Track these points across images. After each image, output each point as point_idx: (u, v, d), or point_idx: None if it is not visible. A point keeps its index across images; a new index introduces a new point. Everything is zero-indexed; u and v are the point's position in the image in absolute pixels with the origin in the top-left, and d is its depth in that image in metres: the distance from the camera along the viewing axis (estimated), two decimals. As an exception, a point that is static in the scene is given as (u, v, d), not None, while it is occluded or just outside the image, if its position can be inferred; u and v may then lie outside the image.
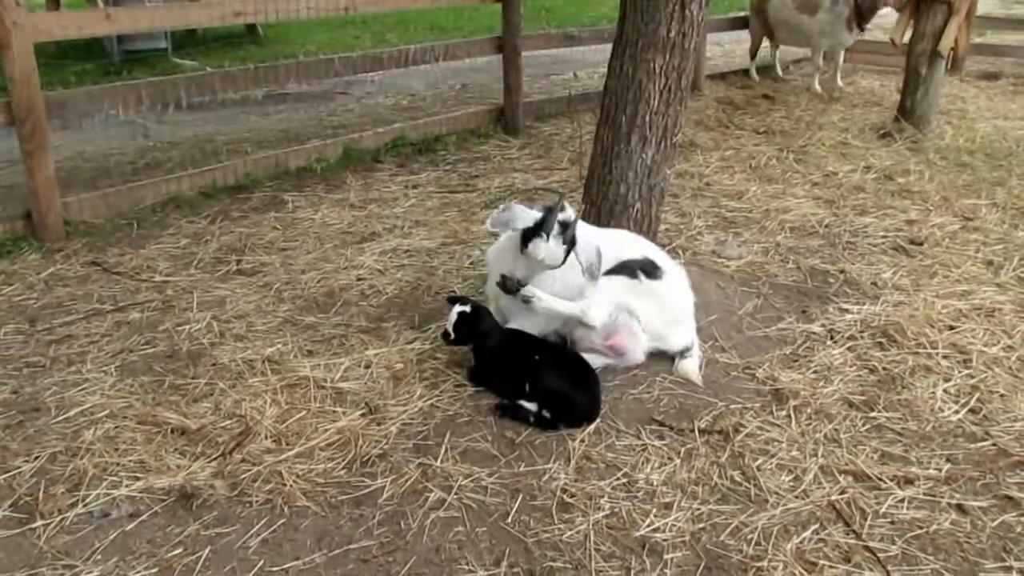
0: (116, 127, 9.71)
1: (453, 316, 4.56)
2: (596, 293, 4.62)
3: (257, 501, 3.76)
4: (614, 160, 5.41)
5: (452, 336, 4.57)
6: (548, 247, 4.42)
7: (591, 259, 4.51)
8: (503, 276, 4.60)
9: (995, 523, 3.74)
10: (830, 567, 3.45)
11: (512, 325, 4.73)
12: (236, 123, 10.32)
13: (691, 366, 4.76)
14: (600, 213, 5.51)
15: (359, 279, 5.96)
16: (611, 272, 4.70)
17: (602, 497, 3.81)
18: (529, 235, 4.44)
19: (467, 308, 4.57)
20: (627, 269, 4.72)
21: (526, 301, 4.56)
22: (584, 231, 4.62)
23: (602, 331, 4.66)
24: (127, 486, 3.83)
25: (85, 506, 3.72)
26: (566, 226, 4.43)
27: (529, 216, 4.49)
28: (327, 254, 6.41)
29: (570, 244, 4.46)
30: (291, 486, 3.83)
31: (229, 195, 7.69)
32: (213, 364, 4.82)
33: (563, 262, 4.48)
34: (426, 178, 8.28)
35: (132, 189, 7.28)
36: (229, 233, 6.84)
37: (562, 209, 4.52)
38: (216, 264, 6.24)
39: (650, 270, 4.73)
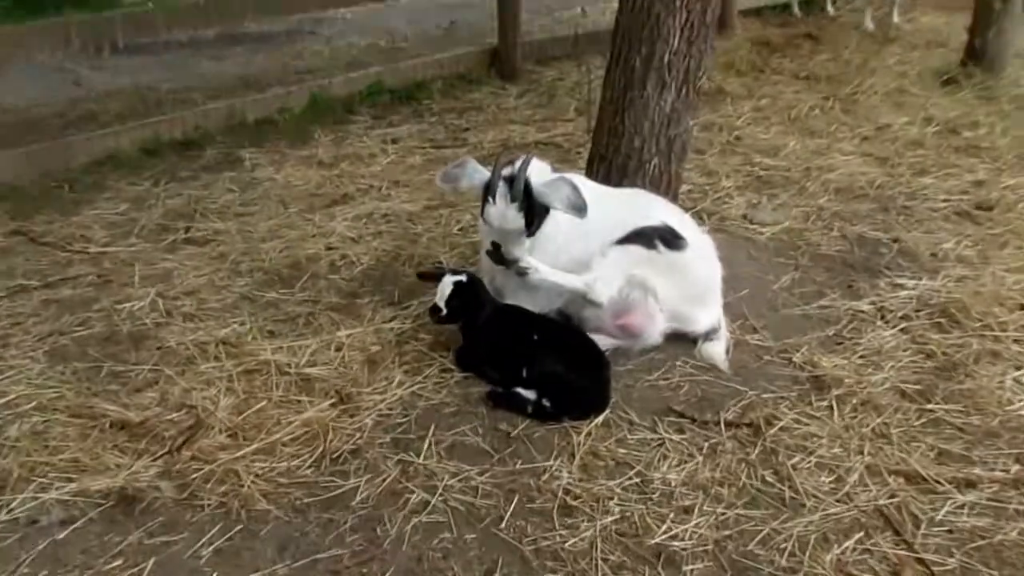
0: (42, 74, 9.70)
1: (446, 287, 4.58)
2: (605, 264, 4.67)
3: (210, 505, 3.79)
4: (627, 109, 5.42)
5: (443, 312, 4.60)
6: (499, 211, 4.48)
7: (564, 194, 4.50)
8: (494, 244, 4.63)
9: (1069, 530, 3.78)
10: (876, 580, 3.51)
11: (509, 302, 4.77)
12: (184, 69, 10.28)
13: (717, 349, 4.80)
14: (611, 170, 5.54)
15: (329, 248, 5.99)
16: (624, 241, 4.74)
17: (611, 499, 3.85)
18: (483, 201, 4.52)
19: (463, 278, 4.60)
20: (643, 237, 4.74)
21: (521, 273, 4.59)
22: (590, 187, 4.63)
23: (612, 309, 4.70)
24: (58, 489, 3.85)
25: (10, 512, 3.75)
26: (511, 181, 4.47)
27: (478, 176, 4.58)
28: (291, 220, 6.45)
29: (526, 200, 4.47)
30: (249, 487, 3.86)
31: (176, 152, 7.70)
32: (158, 347, 4.86)
33: (533, 225, 4.53)
34: (407, 131, 8.29)
35: (62, 146, 7.29)
36: (176, 196, 6.86)
37: (508, 164, 4.56)
38: (161, 232, 6.27)
39: (670, 238, 4.75)
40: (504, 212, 4.48)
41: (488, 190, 4.48)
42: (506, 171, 4.54)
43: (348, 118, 8.62)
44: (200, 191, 6.95)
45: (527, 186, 4.49)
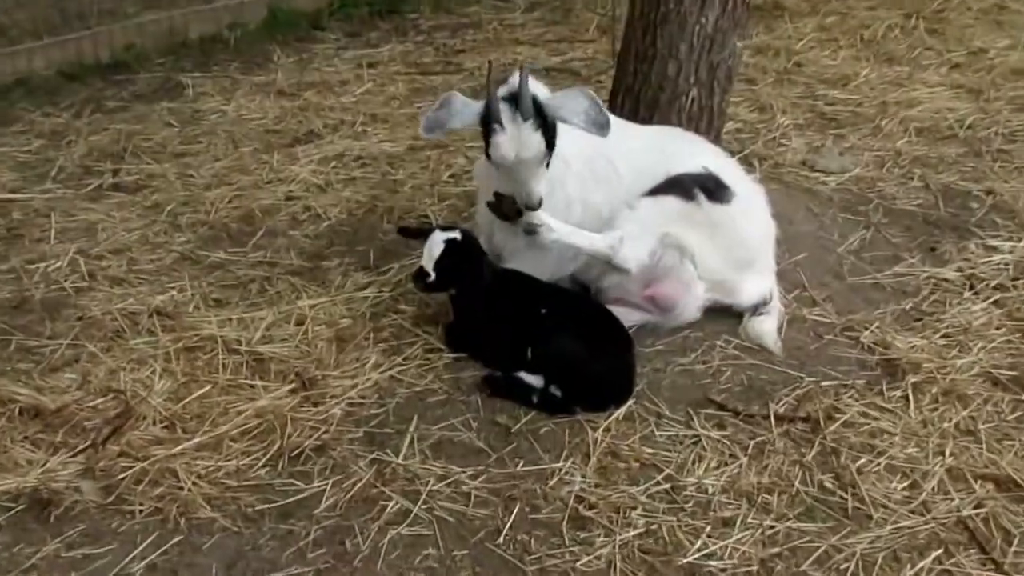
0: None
1: (435, 246, 4.56)
2: (634, 220, 4.65)
3: (142, 511, 3.81)
4: (660, 27, 5.40)
5: (431, 277, 4.58)
6: (511, 137, 4.34)
7: (581, 106, 4.42)
8: (497, 195, 4.60)
9: None
10: (958, 609, 3.55)
11: (511, 267, 4.78)
12: (112, -29, 10.25)
13: (767, 327, 4.81)
14: (639, 103, 5.53)
15: (289, 199, 6.00)
16: (656, 191, 4.73)
17: (634, 509, 3.87)
18: (485, 136, 4.43)
19: (456, 235, 4.59)
20: (679, 186, 4.72)
21: (530, 232, 4.56)
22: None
23: (641, 276, 4.70)
24: (-44, 489, 3.89)
25: None
26: (515, 99, 4.37)
27: (468, 109, 4.49)
28: (244, 162, 6.45)
29: (538, 117, 4.37)
30: (190, 490, 3.88)
31: (102, 76, 7.69)
32: (79, 318, 4.88)
33: (549, 148, 4.43)
34: (388, 53, 8.26)
35: (-40, 67, 7.29)
36: (102, 131, 6.85)
37: (503, 82, 4.50)
38: (84, 176, 6.28)
39: (713, 188, 4.74)
40: (519, 136, 4.35)
41: (489, 117, 4.37)
42: (502, 90, 4.47)
43: (314, 36, 8.60)
44: (131, 125, 6.94)
45: (535, 99, 4.40)
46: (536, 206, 4.44)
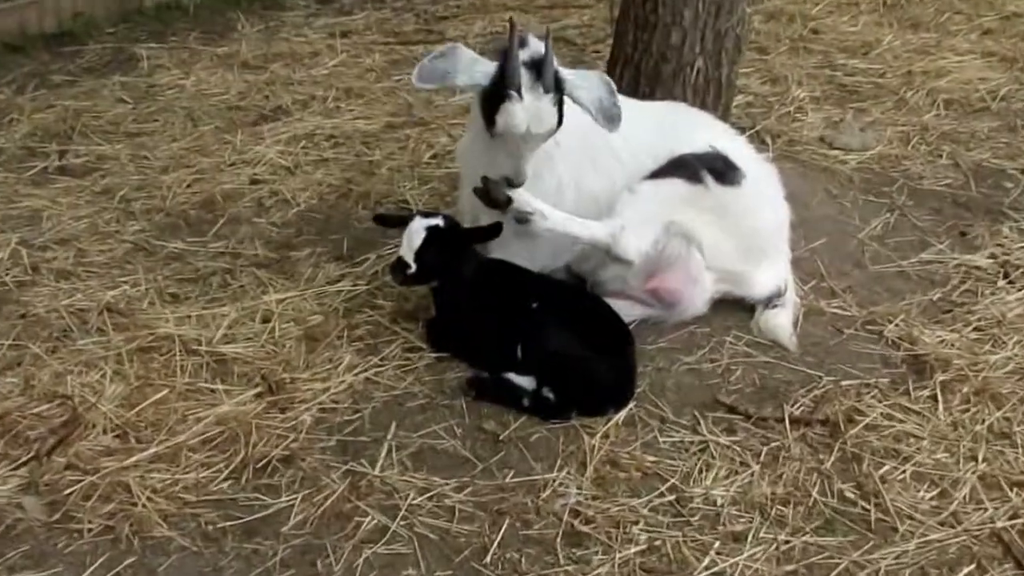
0: None
1: (416, 235, 4.52)
2: (635, 206, 4.64)
3: (91, 529, 3.79)
4: (663, -9, 5.42)
5: (412, 269, 4.55)
6: (528, 107, 4.30)
7: (598, 92, 4.45)
8: (485, 180, 4.57)
9: None
10: (992, 631, 3.55)
11: (499, 257, 4.76)
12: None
13: (781, 321, 4.81)
14: (639, 75, 5.52)
15: (254, 182, 5.99)
16: (659, 173, 4.72)
17: (636, 523, 3.85)
18: (493, 101, 4.36)
19: (438, 221, 4.57)
20: (684, 168, 4.72)
21: (522, 221, 4.55)
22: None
23: (642, 267, 4.70)
24: None
25: None
26: (539, 65, 4.34)
27: (478, 67, 4.44)
28: (203, 142, 6.44)
29: (558, 90, 4.38)
30: (144, 506, 3.86)
31: (47, 48, 7.67)
32: (21, 316, 4.86)
33: (559, 123, 4.41)
34: (364, 21, 8.26)
35: None
36: (47, 108, 6.83)
37: (522, 44, 4.44)
38: (26, 158, 6.27)
39: (721, 169, 4.74)
40: (537, 108, 4.31)
41: (507, 80, 4.30)
42: (524, 54, 4.39)
43: (282, 2, 8.59)
44: (80, 102, 6.92)
45: (557, 71, 4.39)
46: (522, 183, 4.44)
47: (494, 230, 4.58)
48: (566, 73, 4.46)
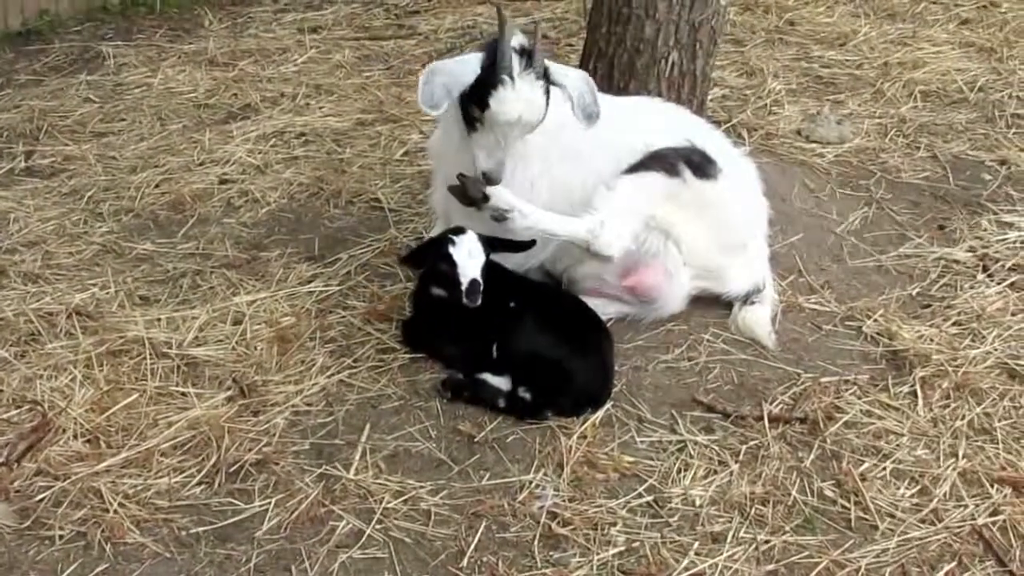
0: None
1: (476, 250, 4.38)
2: (614, 201, 4.62)
3: (62, 536, 3.78)
4: (636, -17, 5.42)
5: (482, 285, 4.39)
6: (519, 94, 4.31)
7: (580, 91, 4.46)
8: (460, 178, 4.56)
9: None
10: (973, 628, 3.57)
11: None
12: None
13: (759, 317, 4.82)
14: (613, 69, 5.53)
15: (224, 182, 5.98)
16: (636, 168, 4.71)
17: (614, 525, 3.86)
18: (483, 91, 4.35)
19: (473, 233, 4.46)
20: (662, 162, 4.71)
21: (500, 219, 4.54)
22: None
23: (618, 264, 4.70)
24: None
25: None
26: (529, 53, 4.36)
27: (468, 66, 4.44)
28: (172, 141, 6.42)
29: (546, 81, 4.39)
30: (116, 512, 3.85)
31: (11, 46, 7.64)
32: (-12, 320, 4.85)
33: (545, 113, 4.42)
34: (333, 16, 8.24)
35: None
36: (13, 109, 6.81)
37: (494, 35, 4.46)
38: (-9, 159, 6.24)
39: (698, 163, 4.74)
40: (529, 95, 4.33)
41: (500, 67, 4.30)
42: (515, 41, 4.41)
43: (250, -3, 8.57)
44: (46, 101, 6.90)
45: (543, 60, 4.40)
46: (499, 179, 4.43)
47: (522, 245, 4.58)
48: (551, 64, 4.47)
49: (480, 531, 3.83)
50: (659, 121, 4.92)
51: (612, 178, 4.67)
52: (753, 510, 3.95)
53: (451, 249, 4.38)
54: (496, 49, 4.32)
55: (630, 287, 4.73)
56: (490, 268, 4.54)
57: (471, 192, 4.50)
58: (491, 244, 4.48)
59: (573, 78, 4.48)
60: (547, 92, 4.38)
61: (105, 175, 6.04)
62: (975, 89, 7.03)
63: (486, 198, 4.48)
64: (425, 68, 4.53)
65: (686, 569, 3.70)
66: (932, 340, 4.78)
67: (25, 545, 3.76)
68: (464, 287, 4.34)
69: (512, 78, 4.29)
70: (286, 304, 4.92)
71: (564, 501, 3.95)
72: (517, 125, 4.36)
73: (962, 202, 5.83)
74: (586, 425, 4.28)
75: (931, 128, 6.56)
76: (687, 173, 4.67)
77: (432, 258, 4.48)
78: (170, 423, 4.25)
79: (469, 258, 4.38)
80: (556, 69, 4.47)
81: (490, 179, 4.43)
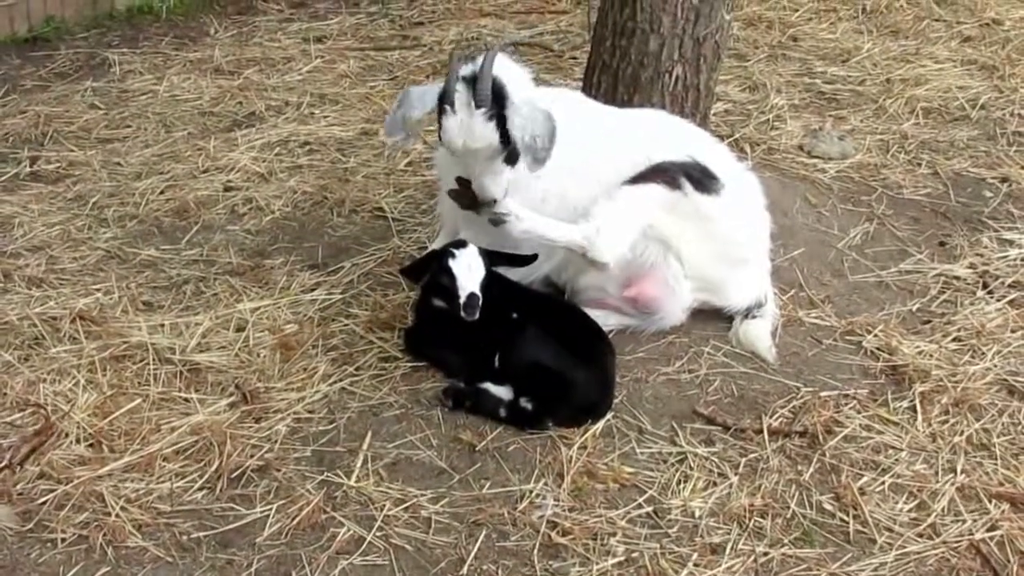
0: None
1: (476, 264, 4.41)
2: (612, 210, 4.62)
3: (64, 539, 3.79)
4: (640, -3, 5.44)
5: (481, 299, 4.40)
6: (459, 122, 4.33)
7: (530, 127, 4.40)
8: (459, 181, 4.58)
9: None
10: (970, 643, 3.58)
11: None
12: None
13: (760, 331, 4.83)
14: (617, 82, 5.54)
15: (228, 189, 5.99)
16: (638, 179, 4.72)
17: (613, 535, 3.87)
18: (438, 118, 4.42)
19: (474, 247, 4.47)
20: (663, 174, 4.72)
21: (498, 222, 4.54)
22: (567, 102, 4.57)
23: (620, 275, 4.72)
24: None
25: None
26: (473, 81, 4.36)
27: (428, 95, 4.50)
28: (177, 148, 6.43)
29: (496, 105, 4.35)
30: (118, 516, 3.86)
31: (18, 52, 7.64)
32: (-8, 323, 4.86)
33: (504, 142, 4.37)
34: (339, 26, 8.26)
35: None
36: (19, 114, 6.82)
37: (465, 59, 4.50)
38: (-3, 164, 6.26)
39: (700, 177, 4.75)
40: (468, 123, 4.34)
41: (444, 96, 4.38)
42: (464, 70, 4.45)
43: (256, 6, 8.59)
44: (51, 107, 6.90)
45: (497, 87, 4.39)
46: (490, 202, 4.45)
47: (524, 259, 4.60)
48: (516, 97, 4.42)
49: (480, 539, 3.83)
50: (663, 134, 4.93)
51: (613, 189, 4.68)
52: (752, 522, 3.95)
53: (451, 262, 4.40)
54: (448, 76, 4.38)
55: (631, 298, 4.74)
56: (492, 279, 4.54)
57: (469, 196, 4.53)
58: (492, 258, 4.49)
59: (531, 118, 4.41)
60: (497, 120, 4.34)
61: (110, 181, 6.05)
62: (977, 107, 7.04)
63: (488, 202, 4.49)
64: (399, 96, 4.62)
65: (686, 580, 3.72)
66: (932, 356, 4.79)
67: (27, 548, 3.77)
68: (462, 300, 4.35)
69: (453, 108, 4.32)
70: (289, 312, 4.93)
71: (564, 511, 3.96)
72: (468, 152, 4.38)
73: (963, 219, 5.84)
74: (586, 436, 4.28)
75: (933, 145, 6.58)
76: (688, 186, 4.69)
77: (432, 271, 4.50)
78: (172, 428, 4.26)
79: (469, 272, 4.39)
80: (517, 102, 4.41)
81: (481, 200, 4.47)
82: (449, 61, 4.45)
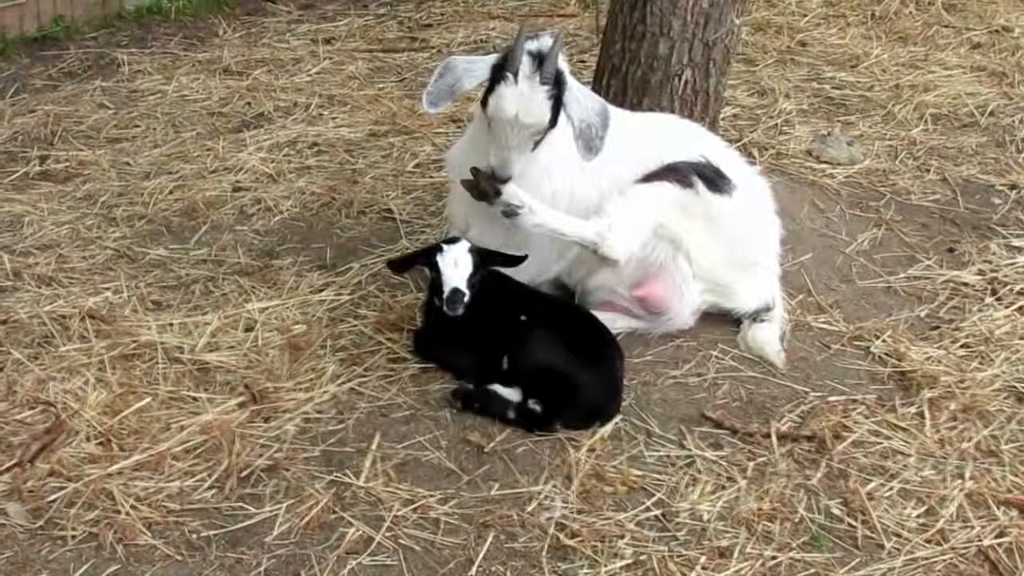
0: None
1: (463, 260, 4.41)
2: (625, 207, 4.64)
3: (74, 536, 3.80)
4: (650, 1, 5.42)
5: (467, 296, 4.39)
6: (520, 93, 4.34)
7: (587, 118, 4.48)
8: (475, 171, 4.55)
9: None
10: (977, 649, 3.59)
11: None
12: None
13: (768, 335, 4.84)
14: (627, 86, 5.56)
15: (237, 190, 6.00)
16: (650, 178, 4.75)
17: (621, 538, 3.88)
18: (490, 85, 4.42)
19: (468, 244, 4.47)
20: (675, 173, 4.75)
21: (510, 214, 4.54)
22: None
23: (629, 275, 4.74)
24: None
25: None
26: (541, 59, 4.37)
27: (478, 65, 4.50)
28: (186, 148, 6.44)
29: (555, 88, 4.40)
30: (128, 514, 3.87)
31: (27, 52, 7.65)
32: (3, 322, 4.85)
33: (552, 123, 4.44)
34: (347, 27, 8.27)
35: None
36: (28, 113, 6.83)
37: (532, 37, 4.49)
38: (7, 163, 6.26)
39: (712, 177, 4.77)
40: (529, 96, 4.35)
41: (507, 66, 4.36)
42: (531, 44, 4.44)
43: (265, 7, 8.60)
44: (61, 107, 6.92)
45: (559, 70, 4.43)
46: (506, 178, 4.45)
47: (517, 259, 4.58)
48: (574, 83, 4.49)
49: (489, 541, 3.84)
50: (674, 137, 4.95)
51: (625, 188, 4.70)
52: (760, 526, 3.96)
53: (437, 257, 4.42)
54: (514, 46, 4.38)
55: (641, 298, 4.76)
56: (500, 280, 4.59)
57: (483, 186, 4.52)
58: (485, 257, 4.49)
59: (585, 105, 4.49)
60: (555, 100, 4.39)
61: (119, 181, 6.07)
62: (986, 113, 7.05)
63: (498, 192, 4.49)
64: (441, 64, 4.60)
65: (693, 583, 3.73)
66: (940, 362, 4.81)
67: (37, 545, 3.78)
68: (445, 295, 4.38)
69: (515, 77, 4.33)
70: (298, 312, 4.94)
71: (572, 513, 3.96)
72: (516, 124, 4.38)
73: (971, 225, 5.85)
74: (595, 438, 4.29)
75: (941, 151, 6.59)
76: (700, 186, 4.71)
77: (419, 264, 4.56)
78: (182, 427, 4.27)
79: (454, 267, 4.40)
80: (575, 90, 4.49)
81: (496, 175, 4.45)
82: (518, 34, 4.42)
